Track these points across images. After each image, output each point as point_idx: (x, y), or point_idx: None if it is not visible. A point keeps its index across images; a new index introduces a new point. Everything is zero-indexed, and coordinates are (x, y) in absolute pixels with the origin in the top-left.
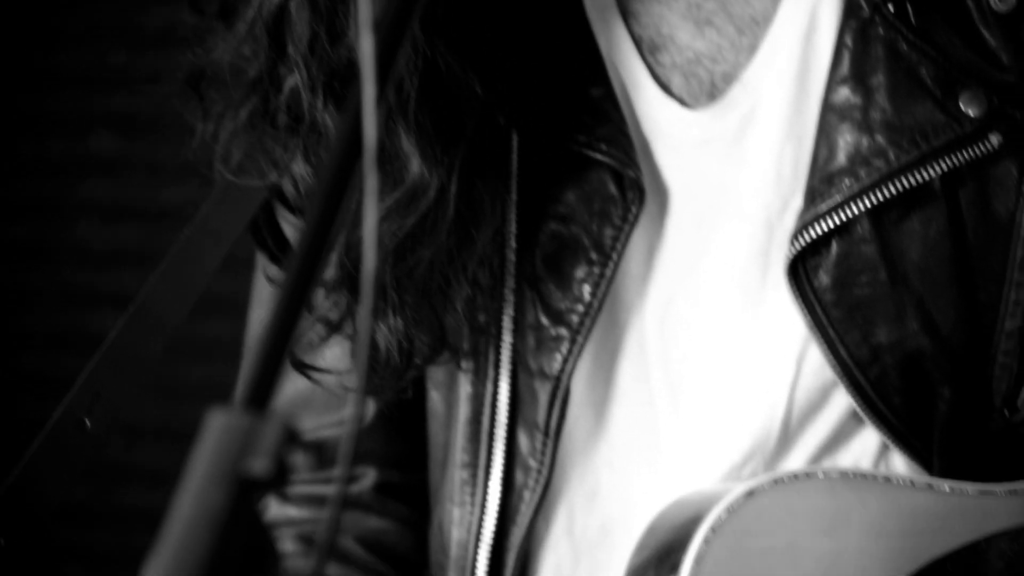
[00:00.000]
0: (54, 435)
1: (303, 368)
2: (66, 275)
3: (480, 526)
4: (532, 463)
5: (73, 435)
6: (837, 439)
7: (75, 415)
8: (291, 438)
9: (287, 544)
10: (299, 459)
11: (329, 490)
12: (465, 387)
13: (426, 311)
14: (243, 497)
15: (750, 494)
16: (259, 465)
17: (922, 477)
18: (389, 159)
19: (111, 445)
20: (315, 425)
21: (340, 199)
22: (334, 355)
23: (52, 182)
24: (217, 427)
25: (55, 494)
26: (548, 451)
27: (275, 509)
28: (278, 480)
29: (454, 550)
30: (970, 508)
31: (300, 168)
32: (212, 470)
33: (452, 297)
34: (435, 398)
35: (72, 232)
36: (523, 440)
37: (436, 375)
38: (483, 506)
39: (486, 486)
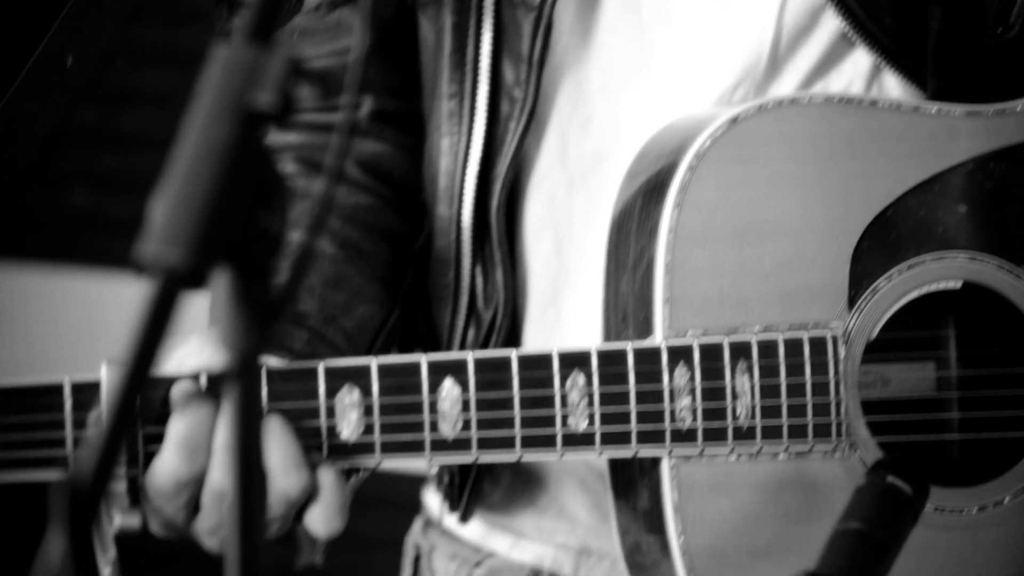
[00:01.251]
0: (33, 74)
1: None
2: None
3: (467, 155)
4: (517, 93)
5: (54, 74)
6: (828, 62)
7: (56, 55)
8: (295, 70)
9: (287, 166)
10: (304, 91)
11: (330, 117)
12: (449, 17)
13: None
14: (249, 130)
15: (734, 120)
16: (264, 98)
17: (909, 100)
18: None
19: (117, 70)
20: (315, 54)
21: None
22: None
23: None
24: (222, 61)
25: (36, 133)
26: (532, 81)
27: (272, 136)
28: (283, 113)
29: (442, 180)
30: (957, 129)
31: None
32: (217, 104)
33: None
34: (425, 27)
35: None
36: (508, 71)
37: (426, 4)
38: (469, 135)
39: (472, 116)
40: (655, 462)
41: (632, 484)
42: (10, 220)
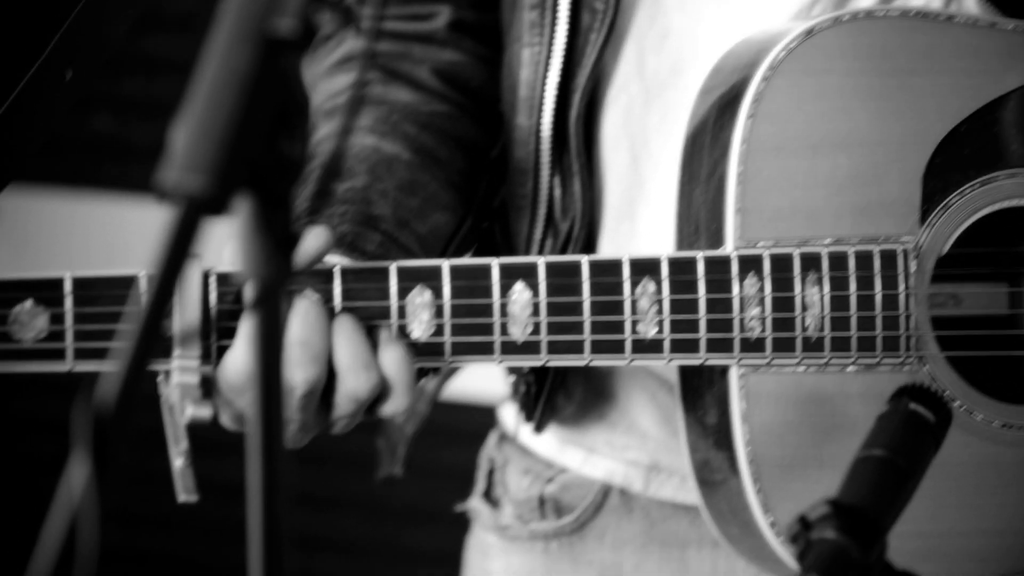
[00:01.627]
0: (33, 86)
1: None
2: None
3: (547, 66)
4: (598, 4)
5: (52, 87)
6: None
7: (56, 68)
8: None
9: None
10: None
11: (410, 26)
12: None
13: None
14: (270, 56)
15: (809, 33)
16: (285, 24)
17: (986, 16)
18: None
19: None
20: None
21: None
22: None
23: None
24: None
25: (31, 144)
26: None
27: (350, 43)
28: (304, 39)
29: (522, 90)
30: None
31: None
32: (239, 30)
33: None
34: None
35: None
36: None
37: None
38: (550, 46)
39: (553, 27)
40: (723, 372)
41: (700, 395)
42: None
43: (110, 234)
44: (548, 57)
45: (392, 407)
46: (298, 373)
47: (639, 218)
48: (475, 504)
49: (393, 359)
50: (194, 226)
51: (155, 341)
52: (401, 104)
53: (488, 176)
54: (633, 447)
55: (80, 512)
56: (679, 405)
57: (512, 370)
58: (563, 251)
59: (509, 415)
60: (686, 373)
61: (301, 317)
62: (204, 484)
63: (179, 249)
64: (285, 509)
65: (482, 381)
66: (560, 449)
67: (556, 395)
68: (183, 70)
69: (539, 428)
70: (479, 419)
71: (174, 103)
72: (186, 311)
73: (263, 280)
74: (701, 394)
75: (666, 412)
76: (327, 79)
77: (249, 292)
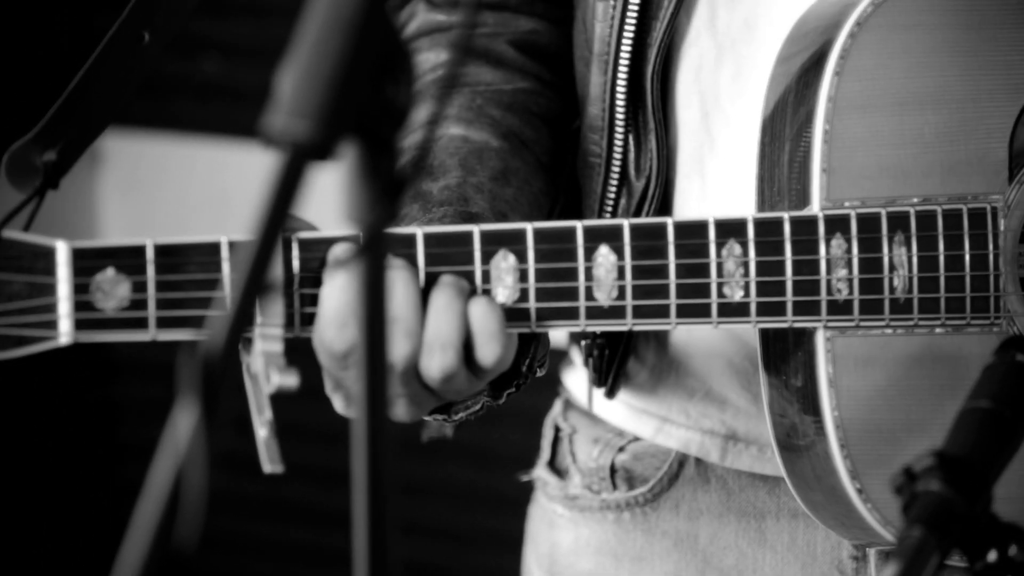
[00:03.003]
0: (111, 48)
1: None
2: None
3: (623, 20)
4: None
5: (131, 49)
6: None
7: (135, 29)
8: None
9: (440, 54)
10: None
11: None
12: None
13: None
14: (376, 2)
15: None
16: None
17: None
18: None
19: None
20: None
21: None
22: None
23: None
24: None
25: (110, 108)
26: None
27: (423, 16)
28: None
29: (597, 45)
30: None
31: None
32: None
33: None
34: None
35: None
36: None
37: None
38: (625, 0)
39: None
40: (809, 335)
41: (785, 360)
42: (140, 87)
43: (217, 178)
44: (624, 11)
45: (487, 356)
46: (395, 349)
47: (708, 175)
48: (540, 473)
49: (479, 310)
50: (300, 171)
51: (264, 284)
52: (483, 85)
53: (572, 149)
54: (710, 415)
55: (188, 459)
56: (761, 370)
57: (577, 336)
58: (638, 210)
59: (577, 382)
60: (768, 336)
61: (398, 293)
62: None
63: (285, 194)
64: (390, 459)
65: None
66: (632, 417)
67: (627, 361)
68: (290, 14)
69: (611, 394)
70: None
71: (281, 47)
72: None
73: (368, 226)
74: (785, 358)
75: (745, 379)
76: None
77: (333, 257)
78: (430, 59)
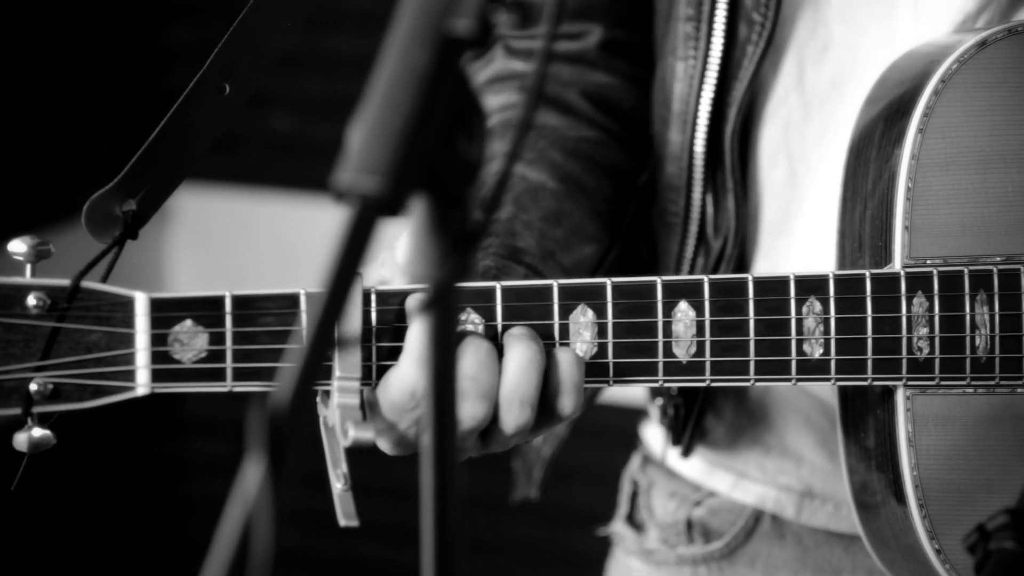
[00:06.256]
0: (193, 99)
1: None
2: None
3: (702, 79)
4: (756, 16)
5: (211, 100)
6: None
7: (215, 80)
8: None
9: (511, 96)
10: (503, 18)
11: (569, 45)
12: None
13: None
14: (448, 56)
15: (982, 44)
16: (463, 24)
17: None
18: None
19: None
20: None
21: None
22: None
23: None
24: None
25: (189, 159)
26: (772, 4)
27: (500, 63)
28: (481, 39)
29: (676, 104)
30: None
31: None
32: (416, 30)
33: None
34: None
35: None
36: None
37: None
38: (705, 59)
39: (709, 39)
40: (889, 393)
41: (863, 418)
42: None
43: (287, 233)
44: (703, 70)
45: (567, 407)
46: (466, 407)
47: (795, 234)
48: (618, 528)
49: (566, 361)
50: (370, 227)
51: (332, 339)
52: (549, 129)
53: (636, 203)
54: (786, 472)
55: (255, 513)
56: (839, 427)
57: (656, 391)
58: (715, 269)
59: (654, 437)
60: (847, 394)
61: (472, 353)
62: (376, 488)
63: (355, 249)
64: (457, 514)
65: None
66: (708, 472)
67: (705, 417)
68: (362, 69)
69: (687, 452)
70: (623, 423)
71: (352, 102)
72: (348, 329)
73: (438, 281)
74: (864, 416)
75: (822, 435)
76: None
77: (411, 309)
78: (499, 100)
